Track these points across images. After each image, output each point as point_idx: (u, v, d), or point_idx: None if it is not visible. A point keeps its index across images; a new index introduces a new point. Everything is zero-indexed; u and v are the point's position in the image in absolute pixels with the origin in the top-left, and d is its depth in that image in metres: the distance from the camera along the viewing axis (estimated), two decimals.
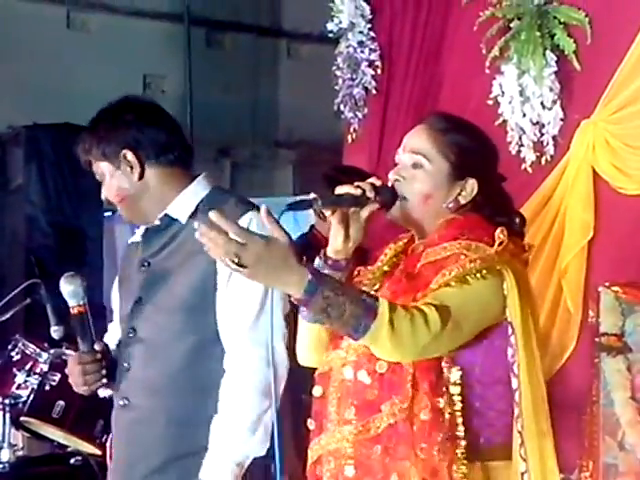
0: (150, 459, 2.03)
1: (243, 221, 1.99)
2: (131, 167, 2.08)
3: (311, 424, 1.81)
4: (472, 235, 1.72)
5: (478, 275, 1.66)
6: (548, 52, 3.23)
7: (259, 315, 1.99)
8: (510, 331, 1.69)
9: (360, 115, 4.10)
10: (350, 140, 4.15)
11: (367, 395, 1.70)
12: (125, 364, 2.10)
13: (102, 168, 2.11)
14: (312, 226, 3.23)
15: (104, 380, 2.09)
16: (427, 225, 1.80)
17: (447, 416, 1.66)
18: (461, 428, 1.67)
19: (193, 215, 2.06)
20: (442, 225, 1.78)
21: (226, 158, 6.56)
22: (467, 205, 1.80)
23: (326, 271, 1.74)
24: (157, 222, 2.11)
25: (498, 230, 1.71)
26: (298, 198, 1.80)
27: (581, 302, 3.19)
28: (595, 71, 3.18)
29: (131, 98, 2.18)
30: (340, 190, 1.75)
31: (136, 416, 2.06)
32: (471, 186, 1.78)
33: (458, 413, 1.68)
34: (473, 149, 1.80)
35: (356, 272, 1.84)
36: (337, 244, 1.76)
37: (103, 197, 2.14)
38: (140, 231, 2.19)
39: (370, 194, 1.74)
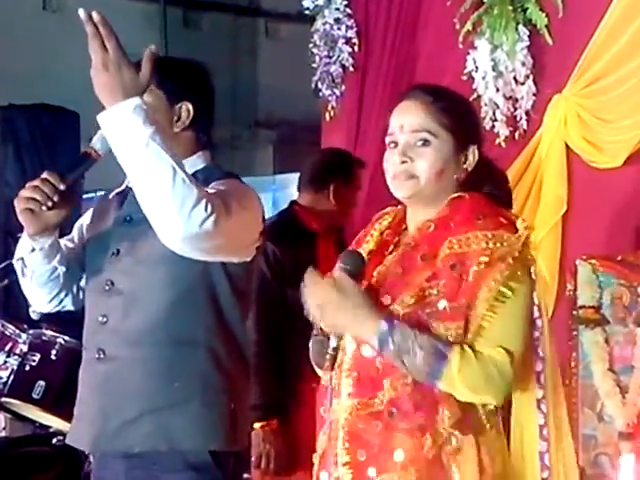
0: (124, 411, 2.01)
1: None
2: (179, 118, 2.08)
3: (325, 412, 1.81)
4: (489, 221, 1.71)
5: (520, 278, 1.68)
6: (520, 26, 3.25)
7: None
8: (537, 314, 1.73)
9: (338, 93, 4.10)
10: (328, 118, 4.16)
11: (370, 370, 1.72)
12: (101, 317, 2.07)
13: (154, 96, 2.02)
14: (292, 202, 3.24)
15: (48, 204, 1.95)
16: (437, 201, 1.79)
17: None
18: (454, 403, 1.68)
19: None
20: (450, 205, 1.77)
21: None
22: (468, 177, 1.80)
23: None
24: None
25: (520, 220, 1.74)
26: None
27: (557, 276, 3.22)
28: (567, 45, 3.19)
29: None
30: None
31: (112, 368, 2.03)
32: (473, 153, 1.79)
33: None
34: (465, 113, 1.82)
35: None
36: None
37: None
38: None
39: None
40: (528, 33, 3.26)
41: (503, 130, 3.30)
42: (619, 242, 3.08)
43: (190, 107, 2.08)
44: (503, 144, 3.28)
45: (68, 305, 2.25)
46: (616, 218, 3.14)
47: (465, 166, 1.79)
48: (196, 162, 2.11)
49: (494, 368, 1.64)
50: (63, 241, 2.22)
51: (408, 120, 1.79)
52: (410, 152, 1.77)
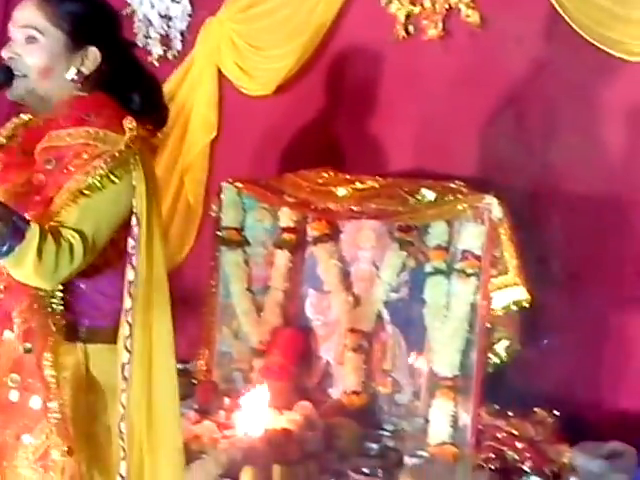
0: None
1: None
2: None
3: None
4: (100, 119, 1.68)
5: (113, 178, 1.63)
6: None
7: None
8: (135, 222, 1.67)
9: None
10: None
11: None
12: None
13: None
14: None
15: None
16: (55, 102, 1.72)
17: (47, 301, 1.65)
18: (60, 310, 1.66)
19: None
20: (67, 104, 1.71)
21: None
22: (94, 77, 1.73)
23: None
24: None
25: (127, 121, 1.67)
26: None
27: (202, 199, 3.27)
28: None
29: None
30: None
31: None
32: (93, 54, 1.71)
33: (58, 298, 1.67)
34: (88, 15, 1.73)
35: None
36: None
37: None
38: None
39: None
40: None
41: (157, 49, 3.25)
42: (265, 167, 3.18)
43: None
44: (156, 63, 3.23)
45: None
46: (264, 144, 3.23)
47: (82, 68, 1.72)
48: None
49: (67, 251, 1.60)
50: None
51: (21, 15, 1.71)
52: (17, 48, 1.71)
